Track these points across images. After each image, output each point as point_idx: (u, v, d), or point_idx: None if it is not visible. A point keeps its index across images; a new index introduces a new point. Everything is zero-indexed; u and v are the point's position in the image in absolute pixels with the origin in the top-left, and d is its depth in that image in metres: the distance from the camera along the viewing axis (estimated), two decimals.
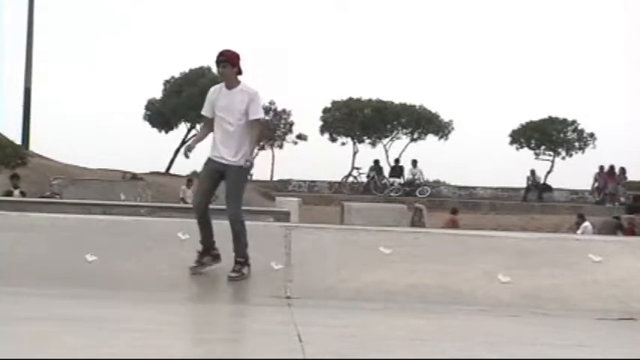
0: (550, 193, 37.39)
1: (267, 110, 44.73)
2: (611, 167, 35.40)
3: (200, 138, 9.16)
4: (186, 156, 8.97)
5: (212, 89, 8.96)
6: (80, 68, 60.01)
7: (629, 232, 20.98)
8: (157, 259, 9.34)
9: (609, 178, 35.29)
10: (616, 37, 60.98)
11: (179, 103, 41.97)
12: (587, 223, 22.54)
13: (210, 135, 8.98)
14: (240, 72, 8.89)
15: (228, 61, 8.75)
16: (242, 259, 8.89)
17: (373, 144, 42.63)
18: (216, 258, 9.06)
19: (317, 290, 9.18)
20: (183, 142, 43.32)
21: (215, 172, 8.84)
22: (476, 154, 45.89)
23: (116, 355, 5.80)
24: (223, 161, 8.75)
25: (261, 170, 43.95)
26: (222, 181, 8.93)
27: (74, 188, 25.02)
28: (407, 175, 37.19)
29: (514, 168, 40.99)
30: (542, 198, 36.48)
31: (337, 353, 6.12)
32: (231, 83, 8.80)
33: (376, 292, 9.16)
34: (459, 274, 9.50)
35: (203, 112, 8.99)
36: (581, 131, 41.71)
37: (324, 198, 33.92)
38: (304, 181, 38.60)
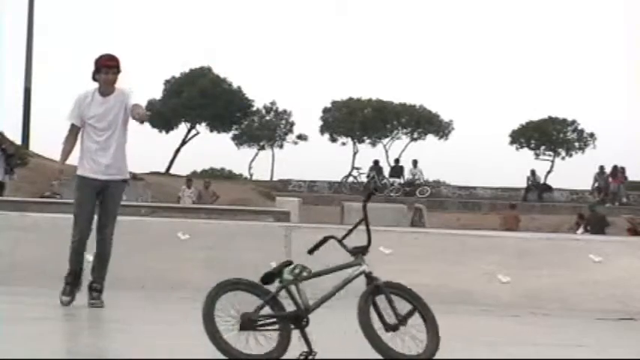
0: (550, 193, 37.36)
1: (267, 110, 44.79)
2: (614, 167, 35.40)
3: (69, 150, 8.07)
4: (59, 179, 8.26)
5: (82, 95, 7.94)
6: (80, 68, 59.94)
7: (630, 232, 21.01)
8: (157, 259, 9.34)
9: (612, 178, 35.28)
10: (616, 37, 60.96)
11: (179, 103, 41.98)
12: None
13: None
14: None
15: (119, 67, 7.89)
16: (102, 286, 7.94)
17: (373, 144, 42.65)
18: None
19: (317, 290, 9.17)
20: (184, 142, 43.39)
21: (93, 192, 7.84)
22: (476, 154, 45.91)
23: (116, 355, 5.80)
24: (103, 177, 7.82)
25: (261, 170, 44.03)
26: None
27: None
28: (407, 175, 37.19)
29: (514, 168, 41.01)
30: (542, 198, 36.46)
31: (337, 353, 6.12)
32: (111, 90, 7.89)
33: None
34: (459, 274, 9.50)
35: (71, 120, 7.95)
36: (581, 131, 41.72)
37: (324, 198, 33.87)
38: (304, 181, 38.54)
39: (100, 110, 7.84)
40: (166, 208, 19.53)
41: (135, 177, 31.54)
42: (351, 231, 5.94)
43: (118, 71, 7.88)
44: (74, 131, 7.97)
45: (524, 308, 8.94)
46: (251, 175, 44.02)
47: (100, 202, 7.86)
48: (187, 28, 61.92)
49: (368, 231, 5.80)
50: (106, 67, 7.82)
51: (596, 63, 57.71)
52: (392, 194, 34.99)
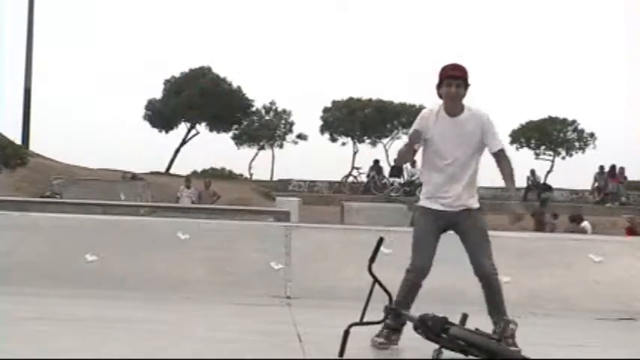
0: (550, 193, 37.37)
1: (267, 110, 44.78)
2: (612, 167, 35.44)
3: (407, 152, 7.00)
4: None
5: (426, 113, 6.88)
6: (80, 68, 60.07)
7: (629, 232, 21.02)
8: (157, 259, 9.34)
9: (611, 178, 35.31)
10: (616, 37, 61.01)
11: (179, 103, 41.95)
12: (585, 223, 22.57)
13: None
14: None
15: (464, 79, 6.66)
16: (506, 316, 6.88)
17: (373, 144, 42.63)
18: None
19: (317, 290, 9.18)
20: (184, 142, 43.36)
21: (439, 226, 7.00)
22: None
23: (116, 355, 5.80)
24: (455, 209, 6.90)
25: (261, 170, 44.04)
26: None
27: (74, 188, 25.03)
28: (407, 175, 37.19)
29: (514, 168, 40.92)
30: (542, 198, 36.45)
31: (337, 353, 6.12)
32: (458, 108, 6.73)
33: (377, 292, 9.15)
34: (458, 273, 9.48)
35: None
36: (581, 131, 41.70)
37: (324, 198, 33.86)
38: (304, 181, 38.54)
39: (445, 132, 6.76)
40: (166, 208, 19.54)
41: (135, 177, 31.64)
42: (364, 311, 6.63)
43: (466, 84, 6.66)
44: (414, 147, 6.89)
45: (524, 308, 8.93)
46: (251, 175, 44.03)
47: (460, 238, 7.12)
48: (187, 28, 61.98)
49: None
50: (449, 79, 6.62)
51: (595, 63, 57.81)
52: (392, 194, 34.99)
